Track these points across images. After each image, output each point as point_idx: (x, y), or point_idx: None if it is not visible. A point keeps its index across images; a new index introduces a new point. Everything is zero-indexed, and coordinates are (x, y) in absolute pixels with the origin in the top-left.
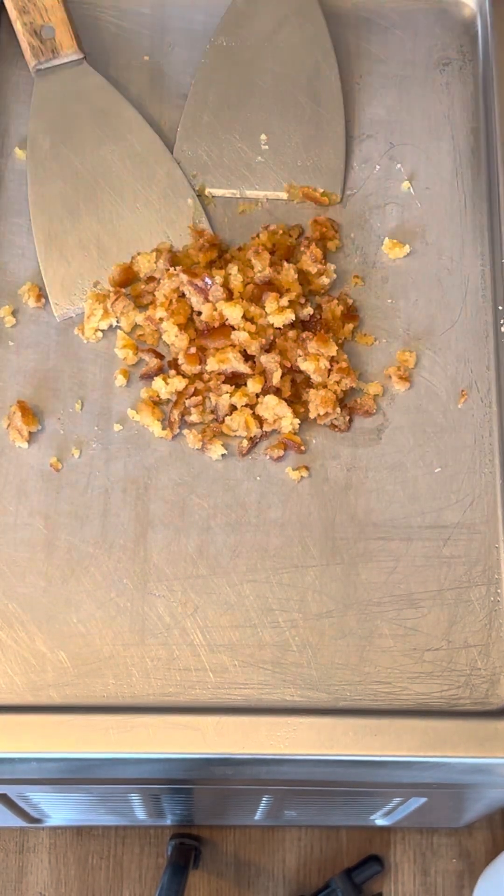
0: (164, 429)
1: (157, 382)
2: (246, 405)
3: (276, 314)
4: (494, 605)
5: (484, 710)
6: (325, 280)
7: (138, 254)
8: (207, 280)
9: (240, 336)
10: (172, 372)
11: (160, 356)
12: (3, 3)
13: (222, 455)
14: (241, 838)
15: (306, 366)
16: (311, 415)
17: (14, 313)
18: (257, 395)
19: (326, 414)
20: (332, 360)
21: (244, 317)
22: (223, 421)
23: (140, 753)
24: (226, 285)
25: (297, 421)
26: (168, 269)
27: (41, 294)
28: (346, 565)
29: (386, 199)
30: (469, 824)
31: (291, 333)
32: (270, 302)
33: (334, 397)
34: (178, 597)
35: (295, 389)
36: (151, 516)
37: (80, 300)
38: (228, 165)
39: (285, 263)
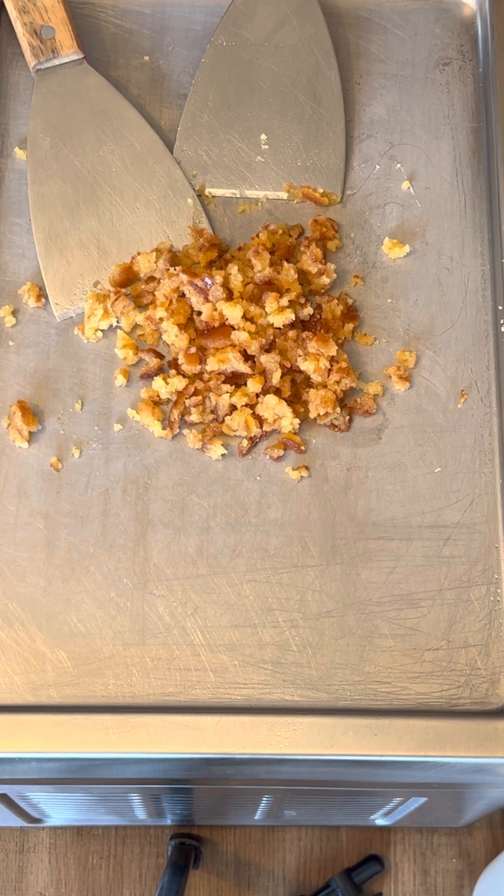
0: (164, 429)
1: (157, 382)
2: (246, 405)
3: (276, 314)
4: (494, 605)
5: (484, 710)
6: (325, 280)
7: (138, 254)
8: (207, 280)
9: (240, 336)
10: (172, 372)
11: (160, 356)
12: (3, 3)
13: (222, 455)
14: (241, 838)
15: (306, 366)
16: (311, 415)
17: (14, 313)
18: (257, 395)
19: (326, 414)
20: (332, 360)
21: (244, 317)
22: (223, 421)
23: (140, 753)
24: (226, 285)
25: (297, 421)
26: (168, 269)
27: (41, 294)
28: (346, 565)
29: (386, 199)
30: (469, 824)
31: (291, 333)
32: (270, 302)
33: (334, 397)
34: (178, 597)
35: (295, 389)
36: (151, 516)
37: (80, 300)
38: (228, 165)
39: (285, 263)
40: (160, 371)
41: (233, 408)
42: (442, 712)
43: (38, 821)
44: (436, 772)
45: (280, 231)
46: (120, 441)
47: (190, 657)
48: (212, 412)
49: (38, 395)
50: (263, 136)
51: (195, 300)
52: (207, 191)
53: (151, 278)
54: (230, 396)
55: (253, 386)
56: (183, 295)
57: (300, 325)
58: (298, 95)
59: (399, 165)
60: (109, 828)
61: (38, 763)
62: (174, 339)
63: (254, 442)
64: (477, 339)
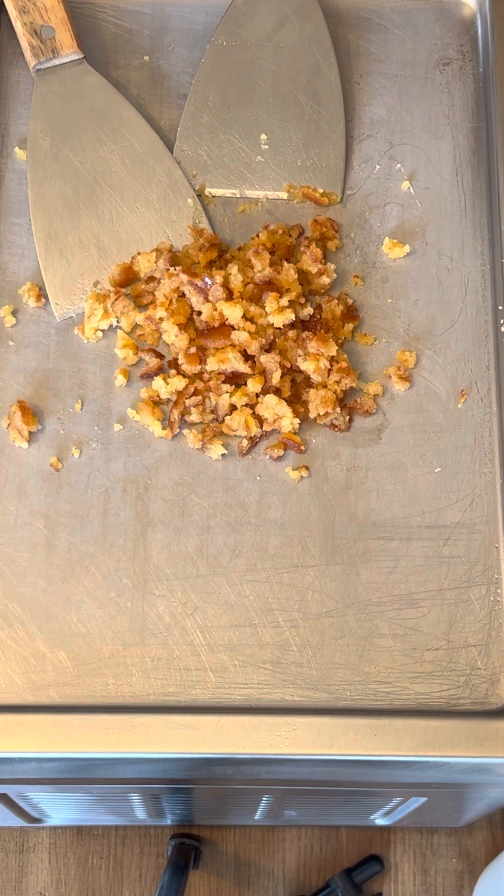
0: (164, 429)
1: (157, 382)
2: (246, 405)
3: (276, 314)
4: (494, 605)
5: (484, 710)
6: (325, 280)
7: (138, 254)
8: (207, 280)
9: (240, 336)
10: (172, 372)
11: (160, 356)
12: (3, 3)
13: (222, 455)
14: (241, 838)
15: (306, 366)
16: (311, 415)
17: (14, 313)
18: (257, 395)
19: (326, 414)
20: (332, 359)
21: (244, 317)
22: (223, 421)
23: (140, 753)
24: (226, 285)
25: (297, 421)
26: (168, 269)
27: (41, 294)
28: (346, 565)
29: (386, 199)
30: (469, 824)
31: (291, 333)
32: (270, 302)
33: (334, 397)
34: (178, 597)
35: (295, 389)
36: (151, 516)
37: (80, 300)
38: (228, 165)
39: (285, 263)
40: (160, 371)
41: (233, 408)
42: (442, 712)
43: (38, 821)
44: (436, 772)
45: (280, 231)
46: (120, 441)
47: (190, 657)
48: (212, 412)
49: (38, 395)
50: (263, 136)
51: (195, 300)
52: (207, 191)
53: (151, 278)
54: (230, 396)
55: (253, 386)
56: (183, 295)
57: (300, 325)
58: (298, 95)
59: (399, 165)
60: (109, 828)
61: (38, 763)
62: (174, 339)
63: (254, 442)
64: (477, 339)
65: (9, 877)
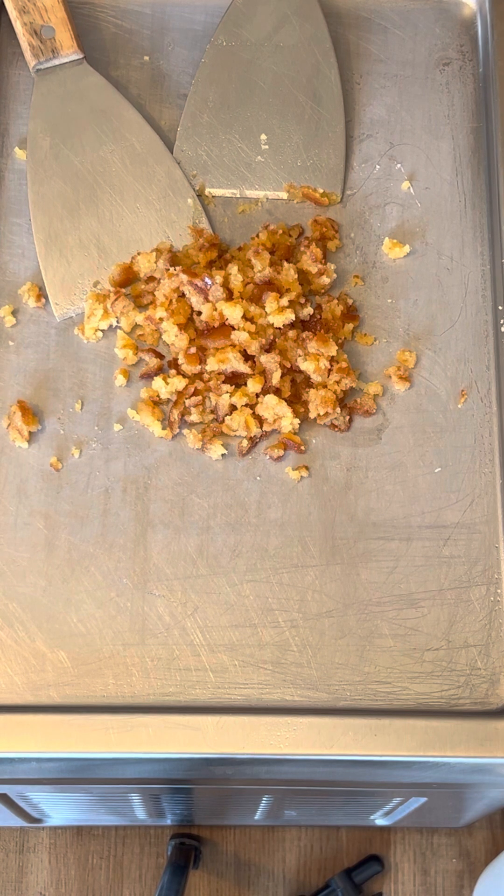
0: (164, 429)
1: (157, 382)
2: (246, 405)
3: (276, 314)
4: (494, 605)
5: (484, 710)
6: (325, 280)
7: (138, 254)
8: (207, 280)
9: (240, 336)
10: (172, 372)
11: (160, 356)
12: (3, 3)
13: (222, 455)
14: (241, 838)
15: (306, 366)
16: (311, 415)
17: (14, 313)
18: (257, 395)
19: (326, 414)
20: (332, 360)
21: (244, 317)
22: (223, 421)
23: (140, 753)
24: (226, 285)
25: (297, 421)
26: (168, 269)
27: (41, 294)
28: (346, 565)
29: (386, 199)
30: (469, 824)
31: (291, 333)
32: (270, 302)
33: (334, 397)
34: (178, 597)
35: (295, 389)
36: (151, 516)
37: (80, 300)
38: (228, 165)
39: (285, 263)
40: (160, 371)
41: (233, 408)
42: (442, 712)
43: (38, 821)
44: (436, 772)
45: (280, 231)
46: (120, 441)
47: (190, 657)
48: (212, 412)
49: (38, 395)
50: (263, 136)
51: (195, 300)
52: (207, 191)
53: (151, 278)
54: (230, 396)
55: (253, 386)
56: (183, 295)
57: (300, 325)
58: (298, 95)
59: (399, 165)
60: (109, 828)
61: (38, 763)
62: (174, 339)
63: (254, 442)
64: (477, 339)
65: (9, 877)
